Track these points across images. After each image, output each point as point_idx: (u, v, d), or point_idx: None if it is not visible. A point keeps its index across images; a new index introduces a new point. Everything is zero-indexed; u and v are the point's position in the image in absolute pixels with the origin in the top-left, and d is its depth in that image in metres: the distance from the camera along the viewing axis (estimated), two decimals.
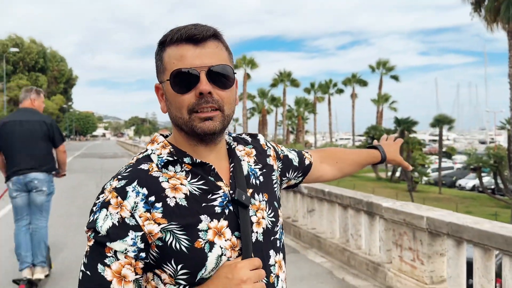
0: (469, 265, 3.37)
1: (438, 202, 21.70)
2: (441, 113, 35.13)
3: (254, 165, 1.07)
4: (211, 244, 0.89)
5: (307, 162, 1.27)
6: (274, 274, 1.00)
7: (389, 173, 36.75)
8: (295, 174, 1.25)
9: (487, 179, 28.88)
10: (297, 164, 1.24)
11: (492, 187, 27.97)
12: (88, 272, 0.86)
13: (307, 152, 1.32)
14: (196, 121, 0.92)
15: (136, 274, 0.87)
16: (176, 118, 0.95)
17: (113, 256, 0.85)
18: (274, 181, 1.11)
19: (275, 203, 1.07)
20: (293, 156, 1.24)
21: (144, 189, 0.89)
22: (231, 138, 1.10)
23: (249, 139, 1.15)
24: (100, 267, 0.85)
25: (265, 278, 0.95)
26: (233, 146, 1.07)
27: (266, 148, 1.15)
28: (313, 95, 50.11)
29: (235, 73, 0.99)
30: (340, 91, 49.61)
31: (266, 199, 1.03)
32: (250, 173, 1.05)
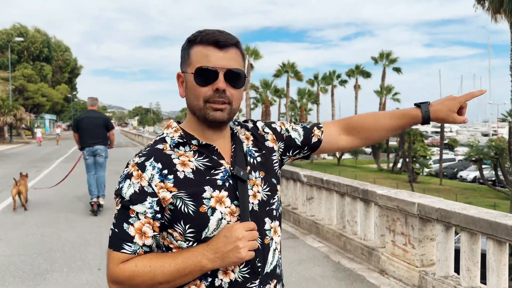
0: (483, 256, 3.43)
1: (438, 193, 21.87)
2: None
3: (252, 147, 1.25)
4: (213, 209, 1.09)
5: (314, 139, 1.35)
6: (269, 237, 1.19)
7: (391, 164, 36.86)
8: (299, 151, 1.36)
9: (488, 171, 29.00)
10: (299, 144, 1.35)
11: (493, 178, 28.07)
12: (116, 230, 1.08)
13: (319, 128, 1.38)
14: (209, 109, 1.12)
15: (154, 231, 1.09)
16: (193, 104, 1.15)
17: (135, 216, 1.07)
18: (274, 161, 1.28)
19: (273, 179, 1.24)
20: (296, 135, 1.34)
21: (159, 164, 1.10)
22: (235, 123, 1.28)
23: (250, 125, 1.31)
24: (125, 225, 1.07)
25: (260, 239, 1.14)
26: (235, 131, 1.25)
27: (263, 134, 1.31)
28: (317, 87, 49.67)
29: (246, 76, 1.20)
30: (344, 81, 49.24)
31: (262, 176, 1.21)
32: (248, 154, 1.23)
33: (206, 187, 1.10)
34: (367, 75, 47.17)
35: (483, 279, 3.45)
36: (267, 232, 1.19)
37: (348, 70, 49.08)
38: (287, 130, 1.35)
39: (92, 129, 7.11)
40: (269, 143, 1.29)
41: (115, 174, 10.89)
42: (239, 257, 1.05)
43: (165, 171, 1.10)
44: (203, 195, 1.09)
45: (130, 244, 1.07)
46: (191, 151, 1.15)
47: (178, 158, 1.13)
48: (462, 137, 64.45)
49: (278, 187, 1.27)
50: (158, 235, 1.12)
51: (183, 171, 1.11)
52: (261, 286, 1.15)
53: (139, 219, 1.07)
